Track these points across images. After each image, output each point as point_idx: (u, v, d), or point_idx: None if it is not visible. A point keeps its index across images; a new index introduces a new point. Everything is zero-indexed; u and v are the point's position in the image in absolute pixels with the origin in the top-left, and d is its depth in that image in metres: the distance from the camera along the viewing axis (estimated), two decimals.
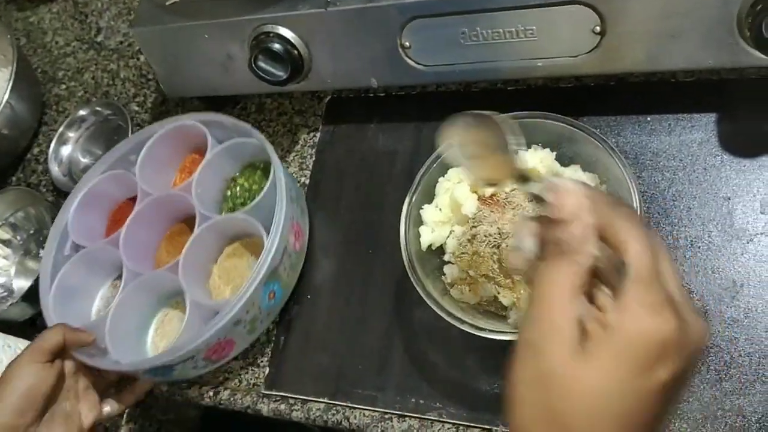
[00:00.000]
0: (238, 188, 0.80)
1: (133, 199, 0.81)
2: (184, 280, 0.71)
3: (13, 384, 0.61)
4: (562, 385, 0.34)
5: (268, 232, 0.69)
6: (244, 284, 0.66)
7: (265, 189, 0.71)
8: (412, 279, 0.60)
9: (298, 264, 0.75)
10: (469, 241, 0.59)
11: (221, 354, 0.70)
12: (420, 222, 0.63)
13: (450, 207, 0.63)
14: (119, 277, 0.77)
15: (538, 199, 0.39)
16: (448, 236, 0.62)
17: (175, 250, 0.77)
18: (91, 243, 0.80)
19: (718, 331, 0.59)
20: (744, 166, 0.64)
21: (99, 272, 0.81)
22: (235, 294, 0.67)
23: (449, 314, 0.58)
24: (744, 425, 0.56)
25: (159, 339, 0.76)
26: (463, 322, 0.57)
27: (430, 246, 0.63)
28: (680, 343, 0.34)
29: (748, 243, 0.61)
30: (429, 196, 0.64)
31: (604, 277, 0.36)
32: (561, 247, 0.36)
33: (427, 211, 0.63)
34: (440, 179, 0.64)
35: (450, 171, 0.64)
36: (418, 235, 0.62)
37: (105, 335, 0.71)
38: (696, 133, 0.66)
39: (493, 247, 0.57)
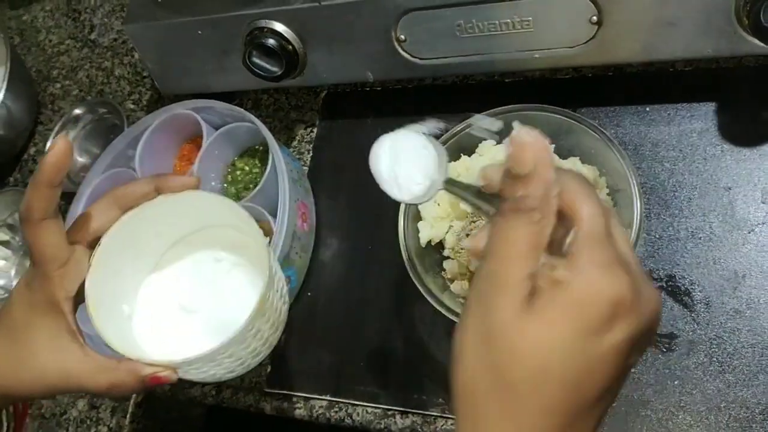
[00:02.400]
0: (238, 172, 0.80)
1: None
2: None
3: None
4: (507, 341, 0.33)
5: (273, 216, 0.69)
6: None
7: (265, 175, 0.71)
8: (411, 275, 0.60)
9: (308, 244, 0.75)
10: (468, 236, 0.59)
11: None
12: (419, 217, 0.63)
13: (448, 202, 0.62)
14: None
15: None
16: (447, 231, 0.62)
17: None
18: None
19: (721, 323, 0.59)
20: (744, 155, 0.63)
21: None
22: None
23: (449, 310, 0.57)
24: (748, 416, 0.55)
25: None
26: None
27: (429, 241, 0.62)
28: (634, 305, 0.32)
29: (749, 233, 0.60)
30: None
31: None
32: (519, 204, 0.34)
33: (426, 207, 0.62)
34: None
35: (448, 165, 0.63)
36: (417, 231, 0.62)
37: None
38: (696, 123, 0.66)
39: None
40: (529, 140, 0.34)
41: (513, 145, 0.34)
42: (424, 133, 0.45)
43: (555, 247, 0.34)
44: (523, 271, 0.33)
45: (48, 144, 0.95)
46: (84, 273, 0.49)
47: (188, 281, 0.56)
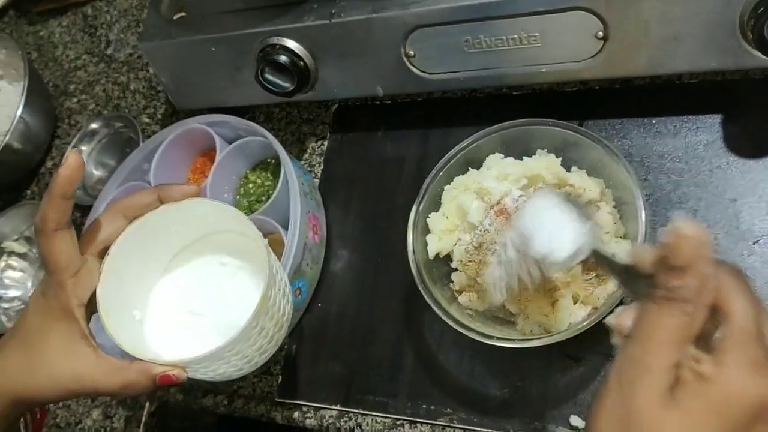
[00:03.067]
0: (250, 185, 0.82)
1: None
2: None
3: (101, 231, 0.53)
4: (646, 429, 0.33)
5: (285, 228, 0.71)
6: None
7: (277, 189, 0.72)
8: (419, 287, 0.61)
9: (319, 256, 0.76)
10: (475, 249, 0.60)
11: None
12: (427, 230, 0.64)
13: (456, 215, 0.63)
14: None
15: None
16: (455, 244, 0.63)
17: None
18: None
19: None
20: (750, 167, 0.63)
21: None
22: None
23: (457, 322, 0.58)
24: None
25: None
26: (471, 330, 0.57)
27: (437, 254, 0.63)
28: None
29: (754, 245, 0.61)
30: (436, 205, 0.65)
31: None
32: (673, 293, 0.34)
33: (434, 220, 0.63)
34: (446, 187, 0.64)
35: (456, 179, 0.64)
36: (426, 244, 0.63)
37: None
38: (701, 135, 0.66)
39: (499, 256, 0.57)
40: (689, 233, 0.34)
41: (673, 237, 0.34)
42: (575, 203, 0.49)
43: (702, 340, 0.35)
44: (669, 359, 0.34)
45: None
46: (95, 281, 0.51)
47: (195, 286, 0.58)
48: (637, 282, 0.39)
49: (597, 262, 0.45)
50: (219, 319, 0.56)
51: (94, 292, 0.51)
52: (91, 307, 0.51)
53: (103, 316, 0.50)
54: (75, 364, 0.49)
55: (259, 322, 0.50)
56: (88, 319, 0.51)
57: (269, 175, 0.82)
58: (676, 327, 0.34)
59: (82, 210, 0.95)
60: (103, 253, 0.52)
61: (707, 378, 0.33)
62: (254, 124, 0.76)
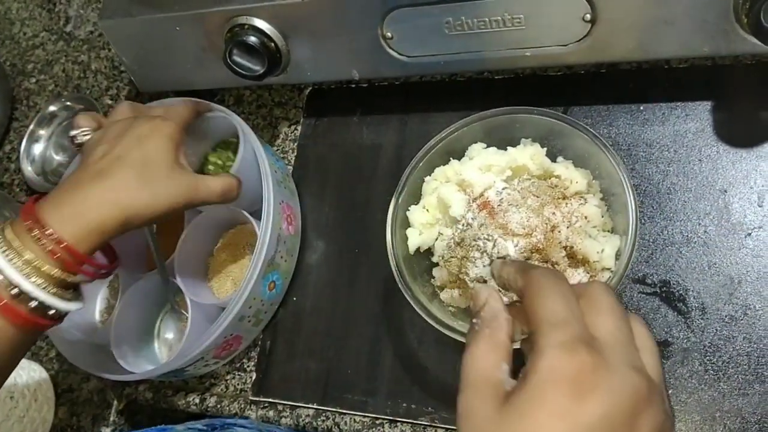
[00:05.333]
0: (211, 166, 0.77)
1: None
2: (181, 280, 0.70)
3: None
4: None
5: (256, 218, 0.68)
6: (242, 281, 0.64)
7: (235, 167, 0.67)
8: (399, 284, 0.58)
9: (294, 248, 0.73)
10: (457, 244, 0.57)
11: (230, 350, 0.69)
12: (407, 224, 0.61)
13: (437, 208, 0.60)
14: (116, 276, 0.76)
15: None
16: (436, 239, 0.60)
17: (165, 247, 0.75)
18: None
19: (716, 330, 0.57)
20: (741, 156, 0.61)
21: None
22: (236, 286, 0.66)
23: (438, 321, 0.55)
24: (743, 426, 0.54)
25: (167, 339, 0.77)
26: (452, 329, 0.55)
27: (418, 248, 0.60)
28: (599, 381, 0.32)
29: (745, 237, 0.59)
30: (416, 197, 0.62)
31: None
32: (474, 328, 0.38)
33: (414, 213, 0.60)
34: (426, 178, 0.61)
35: (437, 170, 0.61)
36: (406, 238, 0.60)
37: (111, 344, 0.70)
38: (691, 123, 0.64)
39: (482, 252, 0.54)
40: (481, 287, 0.41)
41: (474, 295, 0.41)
42: None
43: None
44: (491, 375, 0.35)
45: (22, 146, 0.91)
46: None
47: None
48: None
49: None
50: None
51: None
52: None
53: None
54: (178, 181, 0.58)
55: None
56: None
57: (230, 154, 0.77)
58: (486, 351, 0.36)
59: (41, 197, 0.90)
60: None
61: (527, 371, 0.34)
62: (215, 105, 0.72)
